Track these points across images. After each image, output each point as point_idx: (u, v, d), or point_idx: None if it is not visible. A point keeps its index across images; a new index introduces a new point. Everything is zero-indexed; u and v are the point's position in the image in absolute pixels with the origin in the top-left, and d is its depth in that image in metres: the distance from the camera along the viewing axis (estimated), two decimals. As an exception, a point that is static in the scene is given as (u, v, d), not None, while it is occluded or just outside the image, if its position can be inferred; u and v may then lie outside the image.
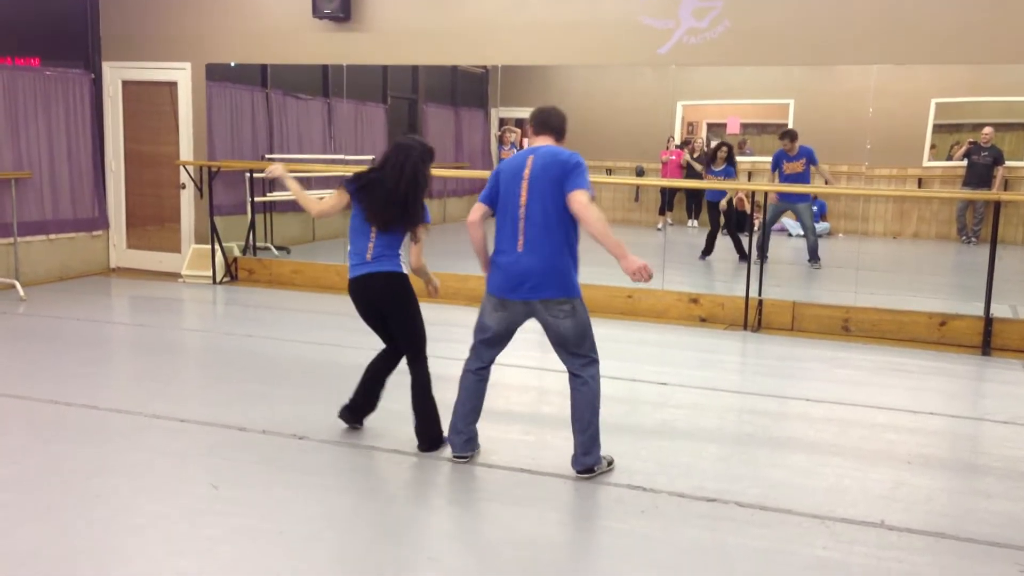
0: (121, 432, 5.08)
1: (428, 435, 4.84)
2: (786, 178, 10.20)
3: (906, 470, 4.72)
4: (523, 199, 4.34)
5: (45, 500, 4.12)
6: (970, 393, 6.64)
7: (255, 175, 10.49)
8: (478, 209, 4.52)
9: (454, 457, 4.67)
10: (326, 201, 4.95)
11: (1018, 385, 6.49)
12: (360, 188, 4.75)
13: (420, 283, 4.99)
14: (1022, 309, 8.05)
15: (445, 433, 4.82)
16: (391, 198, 4.65)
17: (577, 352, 4.46)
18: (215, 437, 5.00)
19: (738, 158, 12.47)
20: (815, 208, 11.09)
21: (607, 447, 4.80)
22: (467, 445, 4.66)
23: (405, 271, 4.83)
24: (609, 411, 5.48)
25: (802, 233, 10.75)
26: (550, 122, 4.51)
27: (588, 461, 4.49)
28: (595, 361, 4.51)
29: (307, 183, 11.08)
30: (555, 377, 6.31)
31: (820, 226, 11.96)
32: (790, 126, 12.14)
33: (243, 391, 5.93)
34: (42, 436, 4.96)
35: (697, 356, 7.26)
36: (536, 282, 4.34)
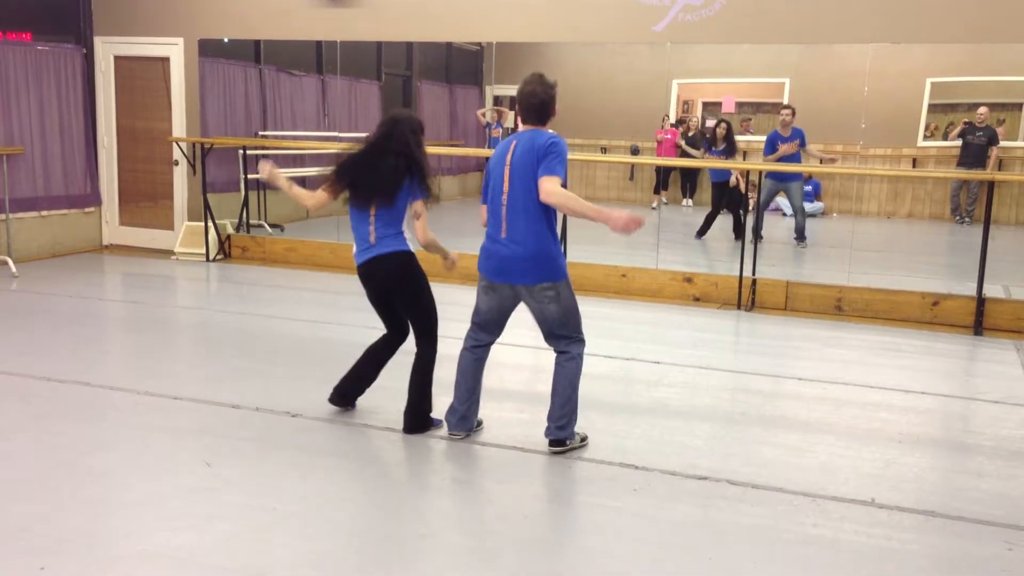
0: (115, 409, 5.08)
1: (416, 416, 4.78)
2: (780, 160, 10.19)
3: (897, 449, 4.75)
4: (505, 186, 4.36)
5: (39, 477, 4.12)
6: (962, 373, 6.67)
7: (248, 152, 10.45)
8: (484, 213, 4.56)
9: (449, 435, 4.68)
10: (318, 195, 4.79)
11: (1009, 365, 6.51)
12: (350, 170, 4.64)
13: (434, 260, 4.97)
14: (1015, 289, 8.07)
15: (435, 417, 4.82)
16: (381, 170, 4.56)
17: (560, 334, 4.49)
18: (209, 414, 5.00)
19: (739, 138, 12.44)
20: (809, 188, 11.09)
21: (602, 425, 4.83)
22: (461, 424, 4.67)
23: (411, 248, 4.74)
24: (603, 390, 5.51)
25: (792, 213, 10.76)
26: (530, 107, 4.41)
27: (561, 434, 4.52)
28: (580, 340, 4.54)
29: (300, 160, 11.09)
30: (549, 356, 6.31)
31: (814, 206, 11.98)
32: (786, 105, 12.12)
33: (237, 368, 5.93)
34: (35, 413, 4.96)
35: (691, 335, 7.27)
36: (520, 268, 4.36)
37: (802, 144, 10.04)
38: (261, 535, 3.61)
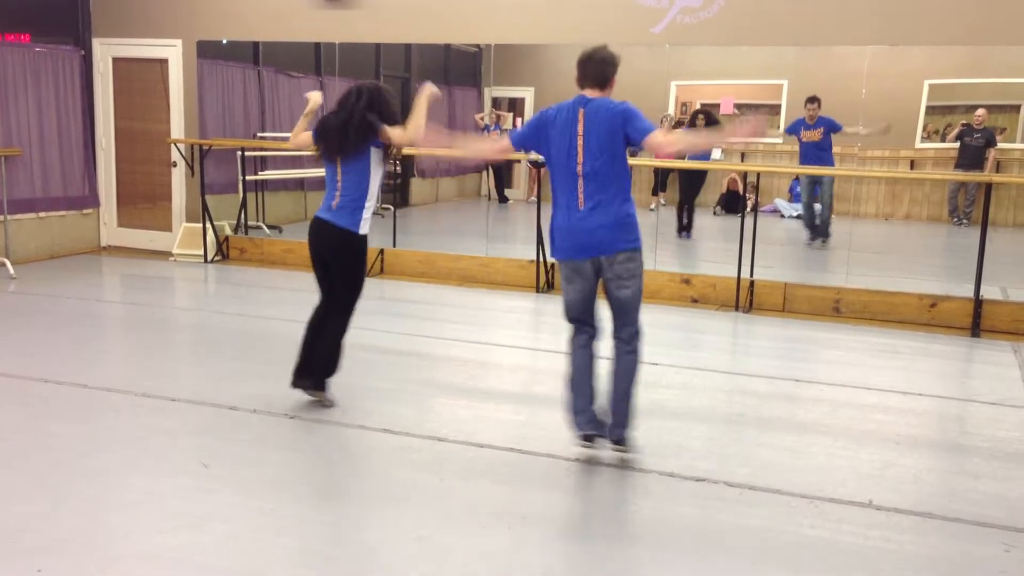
0: (112, 410, 5.08)
1: (318, 373, 5.01)
2: (804, 146, 10.19)
3: (895, 450, 4.75)
4: (580, 155, 4.24)
5: (36, 477, 4.12)
6: (959, 374, 6.68)
7: (246, 153, 10.45)
8: (505, 147, 4.47)
9: (578, 438, 4.47)
10: (299, 136, 5.29)
11: (1006, 366, 6.52)
12: (320, 129, 5.00)
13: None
14: (1012, 291, 8.08)
15: (329, 385, 5.03)
16: (343, 126, 4.84)
17: (628, 320, 4.36)
18: (206, 415, 5.00)
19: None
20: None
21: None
22: (591, 424, 4.46)
23: (363, 231, 4.90)
24: (601, 393, 5.50)
25: (796, 214, 10.75)
26: (588, 72, 4.32)
27: (626, 432, 4.40)
28: (641, 331, 4.43)
29: (299, 161, 11.08)
30: (547, 357, 6.33)
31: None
32: (783, 107, 12.16)
33: (234, 370, 5.93)
34: (33, 414, 4.96)
35: (689, 336, 7.27)
36: (604, 237, 4.24)
37: (831, 130, 10.01)
38: (259, 536, 3.61)
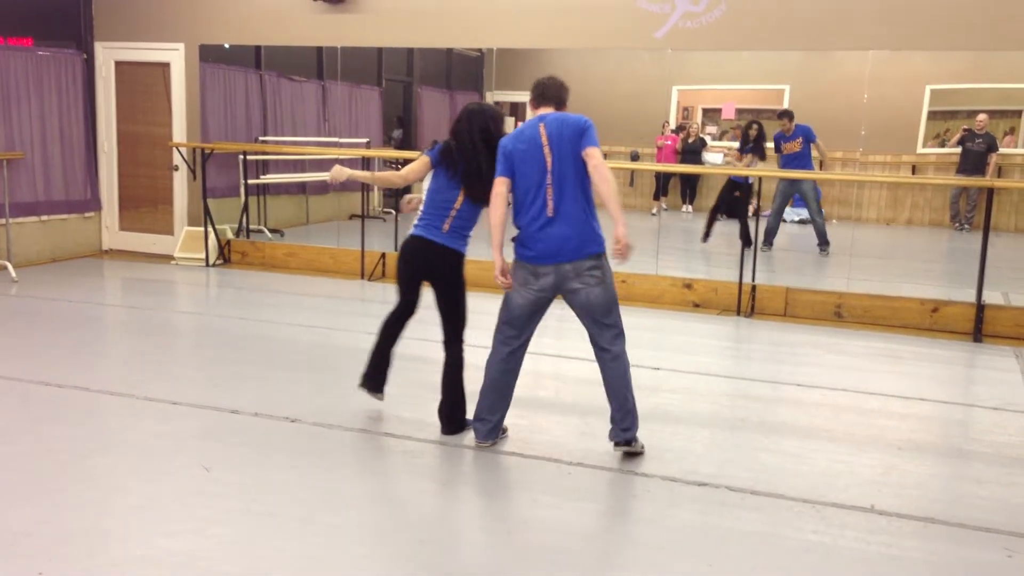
0: (114, 414, 5.08)
1: (453, 418, 4.84)
2: (785, 158, 10.19)
3: (897, 455, 4.75)
4: (549, 164, 4.36)
5: (38, 481, 4.12)
6: (961, 379, 6.67)
7: (248, 157, 10.46)
8: (502, 183, 4.47)
9: (477, 444, 4.65)
10: (410, 169, 4.86)
11: (1009, 372, 6.51)
12: (449, 159, 4.71)
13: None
14: (1014, 296, 8.07)
15: (469, 418, 4.82)
16: (477, 172, 4.65)
17: (605, 322, 4.46)
18: (207, 419, 4.99)
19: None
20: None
21: (601, 431, 4.82)
22: (490, 433, 4.64)
23: (466, 252, 4.85)
24: (602, 395, 5.49)
25: (798, 219, 10.71)
26: (547, 93, 4.58)
27: (627, 436, 4.51)
28: (623, 333, 4.54)
29: (300, 166, 11.09)
30: (549, 361, 6.33)
31: (814, 212, 11.95)
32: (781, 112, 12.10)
33: (236, 373, 5.93)
34: (35, 417, 4.96)
35: (690, 341, 7.27)
36: (572, 245, 4.35)
37: (808, 140, 10.01)
38: (260, 540, 3.61)
